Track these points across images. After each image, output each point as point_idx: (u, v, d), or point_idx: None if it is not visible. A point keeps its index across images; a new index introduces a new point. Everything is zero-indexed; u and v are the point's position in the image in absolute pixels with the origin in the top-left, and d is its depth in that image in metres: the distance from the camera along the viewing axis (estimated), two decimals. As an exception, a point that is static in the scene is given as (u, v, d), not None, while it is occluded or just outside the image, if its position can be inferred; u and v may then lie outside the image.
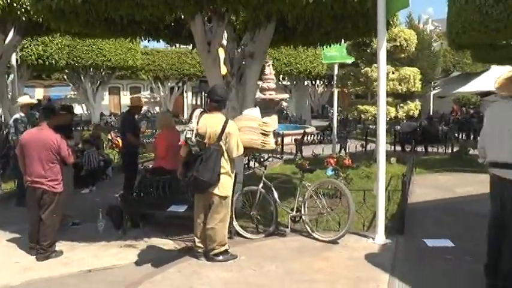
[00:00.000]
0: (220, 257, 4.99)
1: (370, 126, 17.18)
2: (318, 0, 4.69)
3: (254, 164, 10.59)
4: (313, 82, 30.84)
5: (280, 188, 6.38)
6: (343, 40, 7.48)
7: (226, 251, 5.05)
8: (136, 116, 8.30)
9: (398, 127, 15.25)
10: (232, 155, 4.89)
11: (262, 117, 5.35)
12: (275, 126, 14.10)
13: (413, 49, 11.92)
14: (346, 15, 5.74)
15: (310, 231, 5.73)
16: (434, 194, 8.40)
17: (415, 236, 5.80)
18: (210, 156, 4.73)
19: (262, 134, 5.05)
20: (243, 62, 6.87)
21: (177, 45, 8.62)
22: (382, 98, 5.51)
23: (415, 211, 7.05)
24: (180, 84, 33.20)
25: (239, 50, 6.97)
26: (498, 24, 8.42)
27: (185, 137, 4.85)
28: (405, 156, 11.63)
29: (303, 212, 5.82)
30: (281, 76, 26.11)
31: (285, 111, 28.09)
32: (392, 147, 14.52)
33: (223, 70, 6.92)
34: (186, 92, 36.12)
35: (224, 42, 6.97)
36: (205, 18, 6.51)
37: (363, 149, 13.59)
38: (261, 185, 5.93)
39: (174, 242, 5.79)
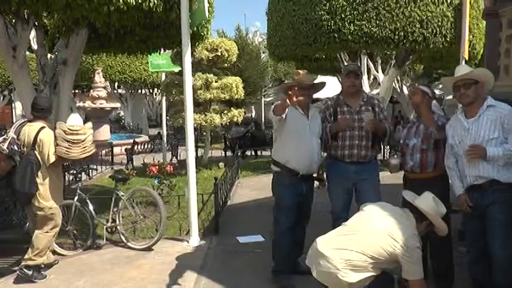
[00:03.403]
0: (30, 272, 4.65)
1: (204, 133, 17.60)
2: (120, 8, 4.70)
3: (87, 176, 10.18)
4: (151, 90, 30.50)
5: (100, 199, 6.19)
6: (162, 49, 7.55)
7: (38, 267, 4.73)
8: None
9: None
10: (46, 163, 4.67)
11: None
12: (107, 133, 13.62)
13: (235, 59, 12.52)
14: (156, 24, 5.85)
15: (125, 241, 5.69)
16: (256, 194, 8.89)
17: (230, 235, 6.13)
18: (23, 166, 4.59)
19: (68, 141, 4.69)
20: (57, 69, 6.55)
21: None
22: (189, 105, 5.73)
23: (235, 211, 7.47)
24: (6, 92, 29.94)
25: (52, 57, 6.62)
26: (308, 39, 9.39)
27: None
28: (234, 160, 12.19)
29: (117, 222, 5.73)
30: (116, 84, 25.27)
31: (123, 121, 27.36)
32: (223, 152, 15.17)
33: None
34: (14, 101, 32.66)
35: (35, 47, 6.56)
36: (13, 20, 6.05)
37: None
38: (76, 198, 5.69)
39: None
